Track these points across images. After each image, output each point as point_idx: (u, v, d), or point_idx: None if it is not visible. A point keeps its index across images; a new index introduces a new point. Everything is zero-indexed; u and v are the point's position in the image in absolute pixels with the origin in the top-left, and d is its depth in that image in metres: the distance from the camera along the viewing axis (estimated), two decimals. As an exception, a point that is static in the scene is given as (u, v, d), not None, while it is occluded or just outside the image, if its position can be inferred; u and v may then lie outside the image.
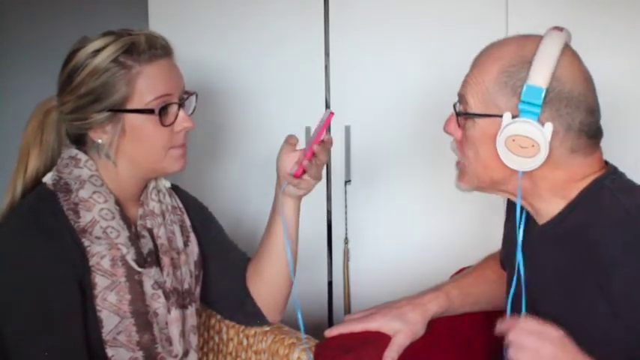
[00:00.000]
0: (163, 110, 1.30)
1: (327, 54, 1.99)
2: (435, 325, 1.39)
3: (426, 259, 1.97)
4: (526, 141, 1.10)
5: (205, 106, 1.95)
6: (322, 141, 1.35)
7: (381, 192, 2.02)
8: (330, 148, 1.40)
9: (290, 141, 1.39)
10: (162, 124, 1.30)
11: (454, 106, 1.21)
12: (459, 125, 1.20)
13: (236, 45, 1.99)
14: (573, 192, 1.16)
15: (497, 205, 1.92)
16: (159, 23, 1.93)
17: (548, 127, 1.10)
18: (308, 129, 1.97)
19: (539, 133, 1.09)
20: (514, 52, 1.14)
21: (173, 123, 1.32)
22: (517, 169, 1.13)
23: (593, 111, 1.14)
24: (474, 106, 1.16)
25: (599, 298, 1.09)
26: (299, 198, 1.44)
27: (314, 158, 1.36)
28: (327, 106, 2.00)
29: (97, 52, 1.28)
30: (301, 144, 1.96)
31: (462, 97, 1.19)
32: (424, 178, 2.02)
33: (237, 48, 1.99)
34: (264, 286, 1.49)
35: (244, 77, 2.00)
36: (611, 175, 1.17)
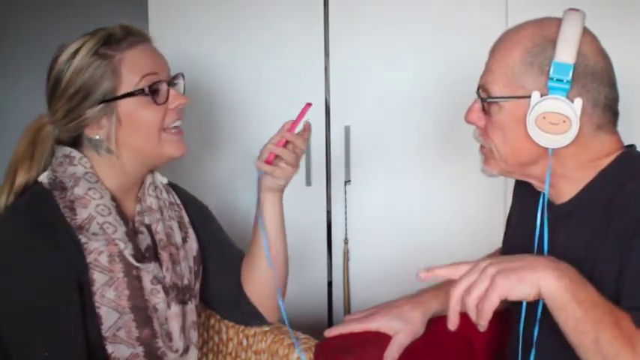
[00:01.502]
0: (154, 90, 1.31)
1: (327, 55, 1.99)
2: (436, 324, 1.39)
3: (426, 259, 1.96)
4: (557, 117, 1.12)
5: (206, 106, 1.96)
6: (303, 130, 1.36)
7: (381, 192, 2.02)
8: (308, 135, 1.39)
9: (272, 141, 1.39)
10: (156, 103, 1.31)
11: (477, 93, 1.22)
12: (483, 113, 1.21)
13: (236, 45, 1.99)
14: (596, 170, 1.18)
15: (498, 205, 1.93)
16: (159, 24, 1.93)
17: (578, 102, 1.12)
18: (308, 129, 1.97)
19: (570, 108, 1.11)
20: (535, 33, 1.16)
21: (166, 101, 1.33)
22: (548, 147, 1.14)
23: (615, 86, 1.17)
24: (499, 91, 1.17)
25: (615, 265, 1.10)
26: (279, 191, 1.43)
27: (290, 145, 1.36)
28: (327, 106, 2.00)
29: (77, 51, 1.30)
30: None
31: (483, 85, 1.20)
32: (424, 178, 2.02)
33: (238, 48, 1.99)
34: (258, 284, 1.48)
35: (245, 77, 2.00)
36: (633, 149, 1.21)
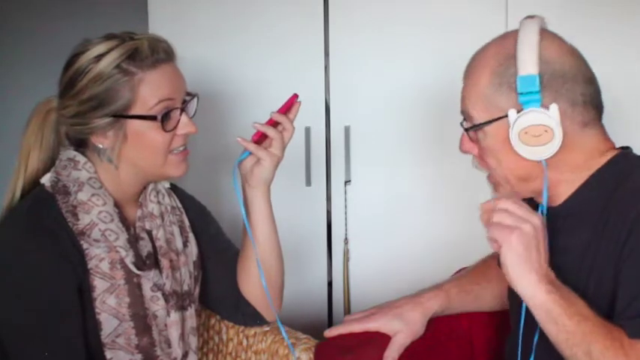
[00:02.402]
0: (166, 116, 1.30)
1: (326, 54, 1.99)
2: (436, 324, 1.39)
3: (426, 259, 1.97)
4: (538, 129, 1.11)
5: (205, 107, 1.95)
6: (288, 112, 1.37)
7: (381, 192, 2.02)
8: (294, 116, 1.39)
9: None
10: (165, 130, 1.30)
11: (461, 124, 1.22)
12: (472, 141, 1.21)
13: (236, 46, 1.99)
14: (590, 170, 1.18)
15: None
16: (158, 25, 1.93)
17: (554, 108, 1.11)
18: (308, 129, 1.97)
19: (547, 116, 1.11)
20: (496, 52, 1.16)
21: (175, 128, 1.32)
22: (539, 159, 1.14)
23: (590, 80, 1.16)
24: (479, 117, 1.17)
25: (612, 266, 1.10)
26: (266, 185, 1.40)
27: (279, 126, 1.36)
28: (327, 106, 2.00)
29: (100, 57, 1.27)
30: (301, 145, 1.97)
31: (464, 113, 1.20)
32: (424, 178, 2.02)
33: (237, 49, 1.99)
34: (253, 285, 1.47)
35: (244, 78, 2.00)
36: (629, 150, 1.21)
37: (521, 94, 1.11)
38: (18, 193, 1.34)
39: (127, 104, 1.28)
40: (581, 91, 1.14)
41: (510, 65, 1.13)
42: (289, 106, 1.38)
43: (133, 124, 1.29)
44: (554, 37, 1.17)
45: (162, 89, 1.30)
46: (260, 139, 1.37)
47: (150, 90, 1.28)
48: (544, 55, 1.12)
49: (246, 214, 1.42)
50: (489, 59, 1.16)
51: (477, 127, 1.17)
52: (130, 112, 1.28)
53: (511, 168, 1.18)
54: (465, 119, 1.21)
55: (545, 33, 1.15)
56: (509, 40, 1.15)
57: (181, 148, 1.34)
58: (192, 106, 1.37)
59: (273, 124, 1.37)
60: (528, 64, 1.11)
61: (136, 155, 1.32)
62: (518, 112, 1.12)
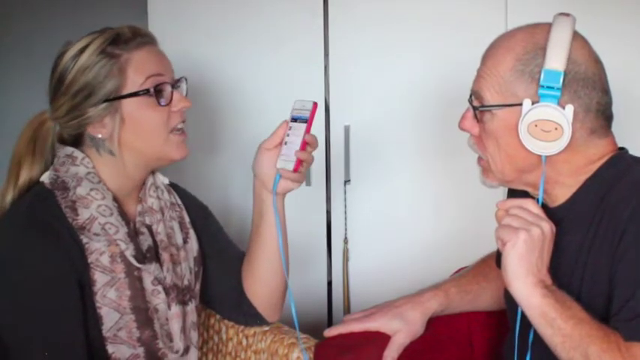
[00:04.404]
0: (158, 91, 1.32)
1: (326, 54, 1.99)
2: (435, 324, 1.39)
3: (426, 259, 1.97)
4: (549, 124, 1.11)
5: (205, 105, 1.96)
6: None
7: (380, 192, 2.02)
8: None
9: (266, 146, 1.37)
10: (159, 105, 1.32)
11: (469, 101, 1.22)
12: (476, 120, 1.20)
13: (236, 44, 1.99)
14: (587, 175, 1.18)
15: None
16: (158, 24, 1.93)
17: (569, 109, 1.12)
18: (307, 128, 1.97)
19: (562, 115, 1.11)
20: (525, 39, 1.15)
21: (170, 104, 1.33)
22: (541, 154, 1.14)
23: (607, 91, 1.17)
24: (491, 99, 1.17)
25: (606, 268, 1.11)
26: (285, 194, 1.42)
27: (308, 147, 1.36)
28: (327, 106, 2.00)
29: (84, 49, 1.30)
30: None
31: (476, 92, 1.20)
32: (424, 178, 2.02)
33: (237, 47, 1.99)
34: (260, 286, 1.48)
35: (244, 77, 2.00)
36: (625, 152, 1.21)
37: (542, 86, 1.12)
38: (7, 202, 1.33)
39: (118, 86, 1.30)
40: (597, 100, 1.14)
41: (537, 56, 1.13)
42: (313, 117, 1.36)
43: (128, 105, 1.31)
44: (585, 40, 1.17)
45: (149, 66, 1.32)
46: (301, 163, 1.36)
47: (137, 68, 1.31)
48: (573, 55, 1.12)
49: (259, 216, 1.42)
50: (516, 45, 1.15)
51: (487, 108, 1.17)
52: (121, 94, 1.30)
53: (510, 156, 1.18)
54: (473, 97, 1.21)
55: (576, 34, 1.15)
56: (539, 31, 1.15)
57: (180, 126, 1.36)
58: (183, 87, 1.39)
59: (305, 145, 1.35)
60: (557, 59, 1.11)
61: (135, 138, 1.32)
62: (533, 103, 1.12)
